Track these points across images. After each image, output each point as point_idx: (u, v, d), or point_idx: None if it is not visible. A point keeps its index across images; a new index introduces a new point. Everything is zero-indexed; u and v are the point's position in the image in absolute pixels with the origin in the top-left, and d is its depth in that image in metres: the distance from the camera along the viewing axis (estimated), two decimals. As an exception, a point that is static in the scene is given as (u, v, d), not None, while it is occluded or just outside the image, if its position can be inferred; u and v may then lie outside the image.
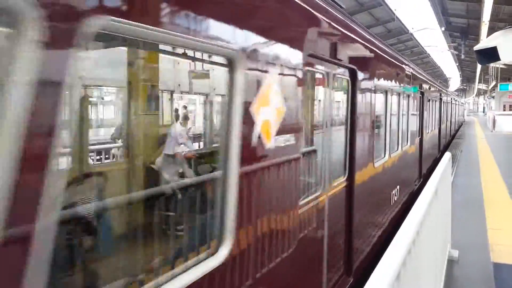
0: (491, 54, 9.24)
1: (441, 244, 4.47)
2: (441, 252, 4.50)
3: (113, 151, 6.55)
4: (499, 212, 7.69)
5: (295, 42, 3.18)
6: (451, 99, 24.09)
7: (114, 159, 6.44)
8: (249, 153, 2.49)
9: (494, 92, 48.03)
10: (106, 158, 6.85)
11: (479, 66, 41.58)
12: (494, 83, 42.91)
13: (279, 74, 2.85)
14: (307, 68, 3.36)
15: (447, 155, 5.34)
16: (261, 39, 2.65)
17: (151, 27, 1.73)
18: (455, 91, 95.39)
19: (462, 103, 42.59)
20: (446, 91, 21.31)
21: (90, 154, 5.81)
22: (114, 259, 3.14)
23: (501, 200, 8.60)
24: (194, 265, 2.13)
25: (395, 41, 39.83)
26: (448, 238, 5.44)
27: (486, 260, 5.39)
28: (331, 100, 4.18)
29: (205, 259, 2.21)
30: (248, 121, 2.45)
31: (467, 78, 78.06)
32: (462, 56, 39.52)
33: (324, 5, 3.92)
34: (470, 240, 6.17)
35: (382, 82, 6.23)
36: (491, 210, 7.77)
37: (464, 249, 5.63)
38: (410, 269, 1.88)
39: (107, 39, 2.13)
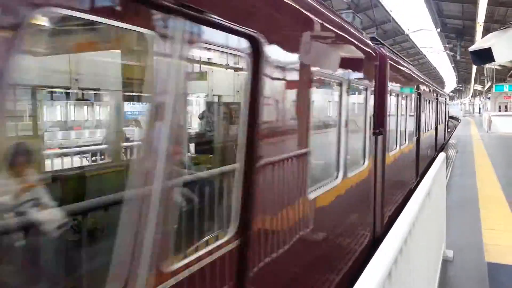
0: (486, 55, 9.27)
1: (436, 244, 4.49)
2: (436, 252, 4.52)
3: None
4: (494, 212, 7.73)
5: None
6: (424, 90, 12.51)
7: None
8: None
9: (489, 93, 48.32)
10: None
11: (474, 67, 41.85)
12: (489, 84, 43.16)
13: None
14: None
15: (442, 155, 5.36)
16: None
17: None
18: (452, 91, 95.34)
19: (442, 96, 20.94)
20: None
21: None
22: None
23: (496, 200, 8.64)
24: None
25: (391, 42, 40.01)
26: (442, 238, 5.46)
27: (480, 260, 5.41)
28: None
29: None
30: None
31: (463, 79, 78.42)
32: (458, 57, 39.75)
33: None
34: (465, 240, 6.20)
35: None
36: (486, 210, 7.81)
37: (459, 249, 5.65)
38: (402, 268, 1.89)
39: None
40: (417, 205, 2.61)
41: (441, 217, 5.26)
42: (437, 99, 17.28)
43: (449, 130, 31.60)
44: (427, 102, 13.26)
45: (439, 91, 19.55)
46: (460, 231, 6.55)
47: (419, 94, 10.91)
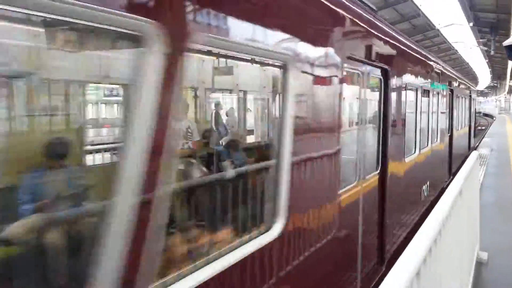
0: (521, 50, 8.89)
1: (468, 245, 4.35)
2: (469, 253, 4.38)
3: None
4: (531, 213, 7.41)
5: None
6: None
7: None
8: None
9: (527, 89, 46.19)
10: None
11: (510, 62, 40.13)
12: (527, 79, 41.31)
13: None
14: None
15: (475, 153, 5.19)
16: None
17: None
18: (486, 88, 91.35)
19: (464, 87, 15.17)
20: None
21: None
22: None
23: (534, 201, 8.28)
24: None
25: (421, 37, 38.96)
26: (476, 239, 5.29)
27: (517, 263, 5.21)
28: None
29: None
30: None
31: (498, 75, 75.44)
32: (492, 52, 38.21)
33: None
34: (501, 242, 5.98)
35: None
36: (523, 211, 7.50)
37: (494, 252, 5.46)
38: (431, 267, 1.86)
39: None
40: (447, 205, 2.55)
41: (474, 217, 5.09)
42: (452, 92, 11.20)
43: (483, 127, 30.20)
44: (430, 95, 8.06)
45: (459, 79, 13.25)
46: (496, 233, 6.32)
47: (404, 85, 5.88)
